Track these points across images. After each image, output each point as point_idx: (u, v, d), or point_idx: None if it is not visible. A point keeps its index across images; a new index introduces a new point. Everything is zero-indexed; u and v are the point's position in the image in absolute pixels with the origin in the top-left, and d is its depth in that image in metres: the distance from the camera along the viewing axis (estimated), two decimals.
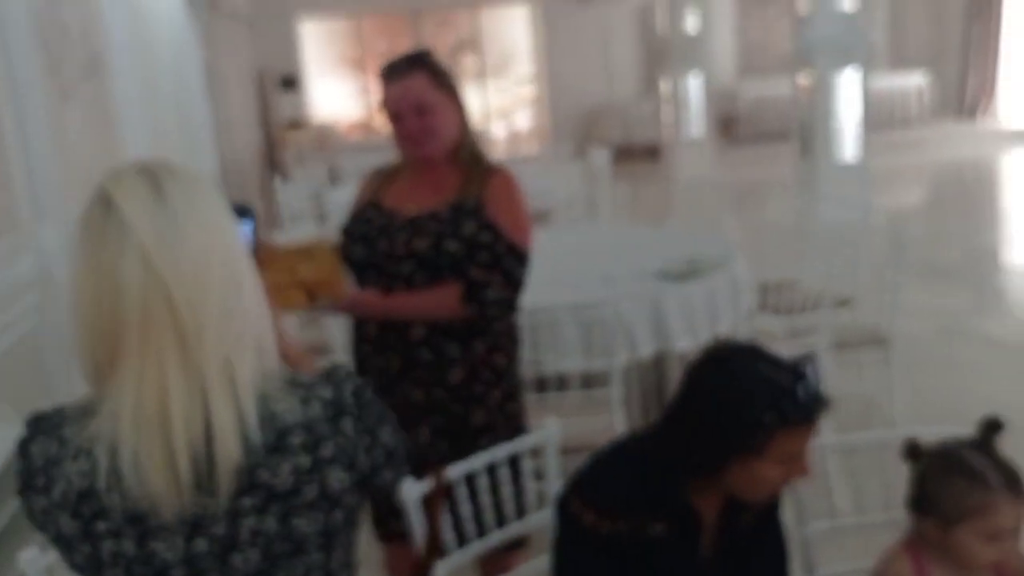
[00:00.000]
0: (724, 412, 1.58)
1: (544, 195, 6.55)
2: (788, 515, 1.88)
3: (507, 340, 2.46)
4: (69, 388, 4.43)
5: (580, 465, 1.75)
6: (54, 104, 4.88)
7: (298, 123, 13.41)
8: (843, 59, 8.69)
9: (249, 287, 1.14)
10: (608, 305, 3.27)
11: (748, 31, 14.93)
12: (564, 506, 1.71)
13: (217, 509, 1.08)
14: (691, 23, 11.85)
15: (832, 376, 3.64)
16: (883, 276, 4.00)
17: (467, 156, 2.40)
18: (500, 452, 2.17)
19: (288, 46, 13.98)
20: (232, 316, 1.10)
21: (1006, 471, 1.65)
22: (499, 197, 2.35)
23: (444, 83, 2.36)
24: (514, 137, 11.03)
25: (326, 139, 13.19)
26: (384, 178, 2.50)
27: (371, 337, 2.43)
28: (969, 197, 10.23)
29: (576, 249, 4.50)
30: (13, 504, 2.68)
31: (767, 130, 13.64)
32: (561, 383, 3.27)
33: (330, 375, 1.17)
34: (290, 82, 13.47)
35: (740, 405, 1.56)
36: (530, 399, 2.90)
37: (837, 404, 1.67)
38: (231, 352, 1.09)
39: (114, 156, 5.87)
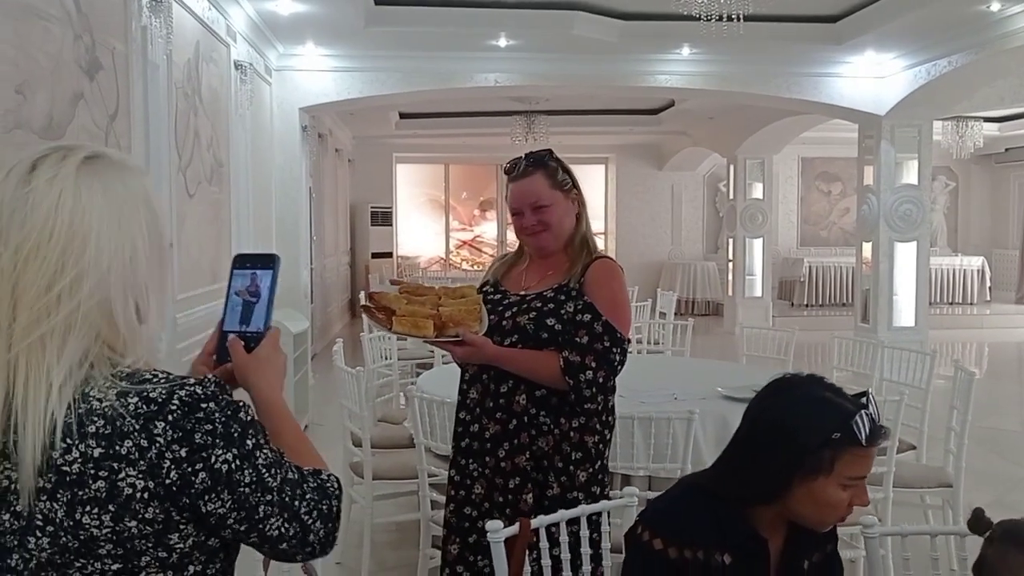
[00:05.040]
0: (792, 432, 1.61)
1: None
2: None
3: (599, 423, 2.54)
4: None
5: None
6: (180, 199, 5.40)
7: (383, 252, 14.32)
8: (905, 230, 9.04)
9: (101, 275, 1.10)
10: (677, 418, 3.48)
11: (812, 204, 15.47)
12: (633, 536, 1.72)
13: (20, 483, 1.05)
14: (756, 191, 12.62)
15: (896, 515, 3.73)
16: (945, 426, 4.09)
17: (578, 245, 2.59)
18: (584, 510, 2.29)
19: (382, 183, 15.05)
20: (62, 298, 1.07)
21: None
22: (598, 280, 2.51)
23: (559, 181, 2.58)
24: None
25: (406, 270, 13.98)
26: (507, 264, 2.73)
27: (471, 405, 2.59)
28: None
29: (645, 372, 4.72)
30: None
31: (827, 297, 14.02)
32: (626, 482, 3.46)
33: (182, 380, 1.09)
34: (381, 215, 14.46)
35: (809, 424, 1.60)
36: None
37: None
38: (58, 330, 1.07)
39: (220, 251, 6.37)
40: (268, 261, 1.32)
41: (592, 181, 16.31)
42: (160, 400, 1.06)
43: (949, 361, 5.33)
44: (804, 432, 1.61)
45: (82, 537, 1.05)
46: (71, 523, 1.04)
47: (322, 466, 1.23)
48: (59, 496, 1.04)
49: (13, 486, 1.06)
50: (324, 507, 1.18)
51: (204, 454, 1.07)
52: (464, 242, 16.31)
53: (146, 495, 1.05)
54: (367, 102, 8.91)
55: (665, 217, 15.72)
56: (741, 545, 1.66)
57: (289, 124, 8.36)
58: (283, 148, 8.27)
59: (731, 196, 12.87)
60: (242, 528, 1.11)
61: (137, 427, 1.05)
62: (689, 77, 8.78)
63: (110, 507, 1.04)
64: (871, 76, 8.82)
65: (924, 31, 7.58)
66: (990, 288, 14.42)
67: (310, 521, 1.16)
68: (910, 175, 9.05)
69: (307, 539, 1.16)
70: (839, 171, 15.05)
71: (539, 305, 2.50)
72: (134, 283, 1.13)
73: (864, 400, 1.62)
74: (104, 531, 1.05)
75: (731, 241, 12.88)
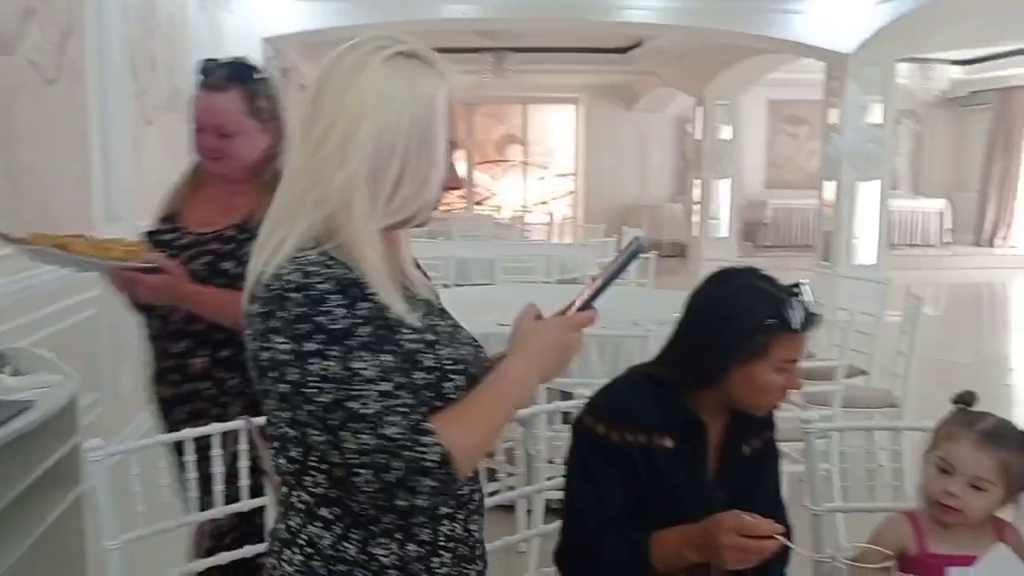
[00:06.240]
0: (728, 318, 1.69)
1: (577, 267, 7.00)
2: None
3: None
4: (114, 370, 4.69)
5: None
6: (136, 125, 5.31)
7: None
8: (867, 170, 9.11)
9: (357, 163, 1.18)
10: (632, 336, 3.54)
11: (778, 146, 15.52)
12: (578, 423, 1.77)
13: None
14: (724, 133, 12.62)
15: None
16: (897, 351, 4.19)
17: (270, 179, 2.05)
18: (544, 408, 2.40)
19: None
20: (300, 173, 1.21)
21: (992, 428, 1.73)
22: None
23: (259, 109, 2.20)
24: (549, 226, 11.58)
25: None
26: (188, 188, 2.31)
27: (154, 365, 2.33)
28: (981, 312, 10.67)
29: (608, 302, 4.75)
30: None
31: (791, 239, 14.17)
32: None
33: (309, 266, 1.15)
34: None
35: (744, 310, 1.67)
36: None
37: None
38: (310, 202, 1.18)
39: None
40: (631, 244, 1.37)
41: (562, 121, 16.25)
42: (277, 276, 1.13)
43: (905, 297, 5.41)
44: (740, 318, 1.68)
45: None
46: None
47: (465, 444, 1.14)
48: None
49: None
50: (381, 460, 1.08)
51: (270, 336, 1.12)
52: None
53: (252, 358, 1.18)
54: (331, 34, 8.75)
55: (633, 159, 15.69)
56: (681, 428, 1.72)
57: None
58: None
59: (698, 137, 12.87)
60: (296, 418, 1.13)
61: (260, 295, 1.15)
62: (657, 12, 8.72)
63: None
64: (839, 14, 8.81)
65: None
66: (951, 230, 14.63)
67: (354, 463, 1.09)
68: (875, 116, 9.09)
69: (353, 481, 1.11)
70: (806, 114, 15.05)
71: (216, 247, 2.17)
72: (378, 177, 1.18)
73: (796, 288, 1.67)
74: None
75: (698, 182, 12.91)
